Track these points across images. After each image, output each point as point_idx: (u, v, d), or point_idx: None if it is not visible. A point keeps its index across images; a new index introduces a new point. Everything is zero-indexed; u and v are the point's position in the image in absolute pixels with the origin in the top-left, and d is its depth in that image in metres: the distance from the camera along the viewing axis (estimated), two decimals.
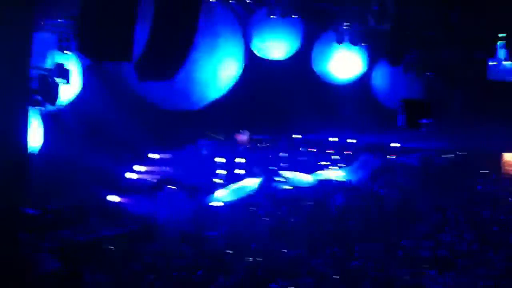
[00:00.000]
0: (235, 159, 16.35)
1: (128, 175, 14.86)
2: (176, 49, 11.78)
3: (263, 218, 13.57)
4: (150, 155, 15.81)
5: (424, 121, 17.33)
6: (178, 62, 12.04)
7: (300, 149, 18.18)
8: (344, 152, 18.82)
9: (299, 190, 16.21)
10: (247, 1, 14.71)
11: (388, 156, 19.21)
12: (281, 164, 17.13)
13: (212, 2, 13.30)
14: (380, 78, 18.08)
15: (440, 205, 14.67)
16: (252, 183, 16.02)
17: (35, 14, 9.76)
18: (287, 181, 16.76)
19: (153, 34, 11.02)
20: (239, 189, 15.83)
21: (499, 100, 17.26)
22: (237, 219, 13.48)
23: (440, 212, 14.28)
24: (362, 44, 16.50)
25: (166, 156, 15.94)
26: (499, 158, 18.96)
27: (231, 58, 14.21)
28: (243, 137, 17.13)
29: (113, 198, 13.68)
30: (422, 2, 14.94)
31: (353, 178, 17.61)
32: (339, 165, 18.45)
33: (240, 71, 14.46)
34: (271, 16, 14.55)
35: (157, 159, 15.85)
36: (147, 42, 11.00)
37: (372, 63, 17.44)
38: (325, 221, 13.36)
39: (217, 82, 14.24)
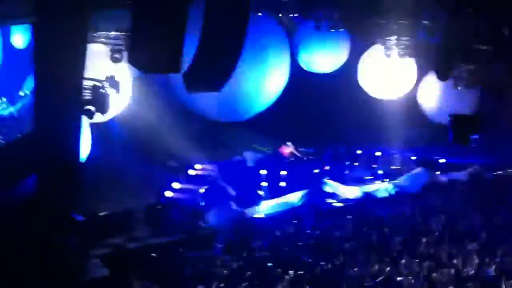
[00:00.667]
0: (279, 171, 16.32)
1: (175, 185, 15.04)
2: (224, 61, 11.90)
3: (306, 231, 13.48)
4: (197, 166, 15.97)
5: (474, 136, 16.93)
6: (225, 74, 12.16)
7: (346, 163, 17.99)
8: (391, 167, 18.53)
9: (343, 203, 16.04)
10: (295, 14, 14.79)
11: (437, 172, 18.83)
12: (326, 178, 16.97)
13: (260, 14, 13.42)
14: (429, 92, 17.79)
15: (489, 222, 14.27)
16: (296, 197, 15.94)
17: (89, 27, 10.09)
18: (332, 194, 16.60)
19: (201, 45, 11.17)
20: (283, 202, 15.77)
21: None
22: (281, 231, 13.43)
23: (489, 230, 13.89)
24: (411, 57, 16.30)
25: (211, 167, 16.07)
26: None
27: (277, 71, 14.26)
28: (288, 149, 17.11)
29: (160, 206, 13.87)
30: (472, 15, 14.67)
31: (403, 190, 17.28)
32: (384, 179, 18.18)
33: (286, 83, 14.50)
34: (319, 29, 14.57)
35: (203, 170, 15.98)
36: (195, 54, 11.16)
37: (421, 77, 17.20)
38: (369, 235, 13.17)
39: (264, 94, 14.32)
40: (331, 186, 16.63)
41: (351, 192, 16.86)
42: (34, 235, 9.32)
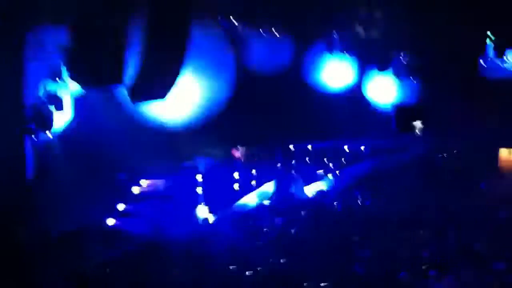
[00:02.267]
0: (233, 174, 16.36)
1: (127, 196, 14.85)
2: (168, 69, 11.84)
3: (264, 230, 13.56)
4: (144, 180, 15.78)
5: (417, 123, 17.44)
6: (170, 82, 12.09)
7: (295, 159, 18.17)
8: (343, 160, 18.85)
9: (297, 200, 16.20)
10: (237, 19, 14.83)
11: (384, 160, 19.24)
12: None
13: (201, 20, 13.37)
14: (372, 85, 18.20)
15: (444, 206, 14.70)
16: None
17: (27, 43, 9.85)
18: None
19: (143, 55, 11.08)
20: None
21: (491, 97, 17.39)
22: (239, 233, 13.46)
23: (444, 213, 14.29)
24: (352, 52, 16.65)
25: (162, 177, 15.93)
26: (496, 155, 19.04)
27: (223, 76, 14.27)
28: (238, 152, 17.17)
29: (112, 221, 13.67)
30: (405, 5, 15.07)
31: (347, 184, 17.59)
32: (336, 172, 18.45)
33: (232, 87, 14.52)
34: (260, 31, 14.66)
35: (155, 180, 15.83)
36: (138, 64, 11.06)
37: (363, 70, 17.57)
38: (324, 230, 13.35)
39: (211, 99, 14.29)
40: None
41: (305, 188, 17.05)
42: None
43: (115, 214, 13.85)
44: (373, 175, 18.20)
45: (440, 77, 17.54)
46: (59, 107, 11.03)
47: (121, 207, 14.36)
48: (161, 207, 14.58)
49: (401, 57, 17.13)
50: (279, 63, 15.54)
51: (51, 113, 10.86)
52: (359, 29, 15.51)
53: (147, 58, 11.08)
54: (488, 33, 15.68)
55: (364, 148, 19.46)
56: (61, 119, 11.59)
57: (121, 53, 10.00)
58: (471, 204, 14.52)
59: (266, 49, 15.11)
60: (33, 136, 10.60)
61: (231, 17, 14.83)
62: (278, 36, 15.13)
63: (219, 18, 14.45)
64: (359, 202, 15.68)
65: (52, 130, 11.09)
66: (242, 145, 17.18)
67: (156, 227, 13.78)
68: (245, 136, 17.23)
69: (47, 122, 10.76)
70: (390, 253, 11.36)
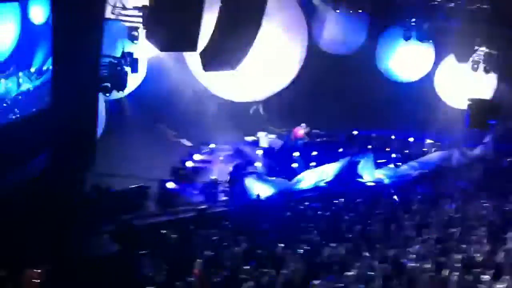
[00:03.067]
0: (293, 152, 16.28)
1: (189, 163, 15.07)
2: (240, 41, 11.88)
3: (317, 213, 13.49)
4: (211, 146, 15.96)
5: (492, 121, 16.77)
6: (241, 53, 12.15)
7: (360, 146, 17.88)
8: (405, 151, 18.41)
9: (353, 187, 15.98)
10: None
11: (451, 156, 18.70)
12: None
13: None
14: (447, 76, 17.63)
15: (500, 206, 14.23)
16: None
17: (107, 3, 10.08)
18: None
19: (218, 25, 11.16)
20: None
21: None
22: (291, 212, 13.46)
23: (501, 214, 13.85)
24: (430, 41, 16.15)
25: (226, 147, 16.07)
26: None
27: (294, 51, 14.19)
28: (301, 131, 17.06)
29: (172, 185, 13.95)
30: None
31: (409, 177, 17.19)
32: (397, 163, 18.08)
33: (302, 65, 14.43)
34: (337, 11, 14.43)
35: (217, 149, 15.98)
36: (212, 33, 11.16)
37: (438, 60, 17.05)
38: (377, 219, 13.16)
39: (280, 74, 14.28)
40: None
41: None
42: (47, 210, 9.46)
43: (176, 178, 14.09)
44: (437, 171, 17.73)
45: None
46: (134, 68, 11.25)
47: (182, 172, 14.61)
48: (219, 177, 14.71)
49: (481, 51, 16.46)
50: (353, 44, 15.30)
51: (126, 74, 11.09)
52: (441, 17, 14.99)
53: (221, 28, 11.17)
54: None
55: (429, 142, 18.95)
56: (135, 80, 11.83)
57: (199, 20, 10.09)
58: None
59: (342, 28, 14.89)
60: (107, 94, 10.85)
61: None
62: (354, 16, 14.85)
63: None
64: (417, 196, 15.30)
65: (125, 89, 11.34)
66: (305, 125, 17.05)
67: (212, 197, 13.97)
68: (309, 116, 17.13)
69: (122, 82, 11.00)
70: (441, 252, 11.12)
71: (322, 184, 15.77)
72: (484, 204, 14.35)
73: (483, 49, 16.47)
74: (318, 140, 17.05)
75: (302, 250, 10.46)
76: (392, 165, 17.61)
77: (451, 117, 17.83)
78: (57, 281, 8.24)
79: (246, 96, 14.24)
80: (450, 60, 17.19)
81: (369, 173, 16.62)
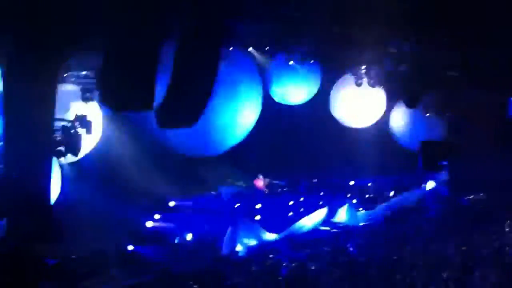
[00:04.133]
0: (255, 205, 16.16)
1: (148, 223, 14.76)
2: (196, 96, 11.87)
3: (284, 264, 13.31)
4: (171, 203, 15.70)
5: (443, 162, 17.16)
6: (198, 109, 12.11)
7: (321, 193, 17.92)
8: (366, 196, 18.55)
9: (318, 234, 15.92)
10: (266, 48, 14.86)
11: (408, 198, 18.92)
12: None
13: (231, 49, 13.45)
14: (399, 120, 18.05)
15: (467, 248, 14.33)
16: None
17: (59, 68, 9.93)
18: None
19: (173, 81, 11.13)
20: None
21: None
22: (257, 266, 13.24)
23: (467, 255, 13.94)
24: (380, 86, 16.55)
25: (186, 203, 15.83)
26: None
27: (249, 104, 14.29)
28: (261, 182, 17.02)
29: (132, 247, 13.60)
30: (439, 43, 14.97)
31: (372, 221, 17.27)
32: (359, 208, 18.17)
33: (259, 116, 14.51)
34: (290, 62, 14.66)
35: (178, 206, 15.73)
36: (167, 90, 11.10)
37: (392, 105, 17.45)
38: (345, 268, 13.08)
39: (236, 128, 14.29)
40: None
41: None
42: (6, 281, 9.03)
43: (137, 239, 13.76)
44: (397, 213, 17.89)
45: (469, 117, 17.33)
46: (89, 130, 11.06)
47: (141, 232, 14.28)
48: (182, 236, 14.44)
49: (430, 94, 16.96)
50: (307, 94, 15.52)
51: (80, 137, 10.88)
52: (389, 64, 15.41)
53: (177, 84, 11.14)
54: None
55: (389, 185, 19.18)
56: (91, 142, 11.63)
57: (153, 79, 10.04)
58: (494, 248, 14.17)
59: (295, 79, 15.10)
60: (62, 158, 10.62)
61: (261, 46, 14.91)
62: (307, 67, 15.10)
63: (249, 48, 14.55)
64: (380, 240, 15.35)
65: (80, 152, 11.11)
66: (265, 176, 17.03)
67: (175, 257, 13.66)
68: (269, 167, 17.15)
69: (76, 145, 10.78)
70: None
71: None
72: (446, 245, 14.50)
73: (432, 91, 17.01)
74: (279, 190, 17.02)
75: None
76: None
77: (407, 160, 18.16)
78: None
79: (205, 151, 14.16)
80: (401, 104, 17.65)
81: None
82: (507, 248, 13.98)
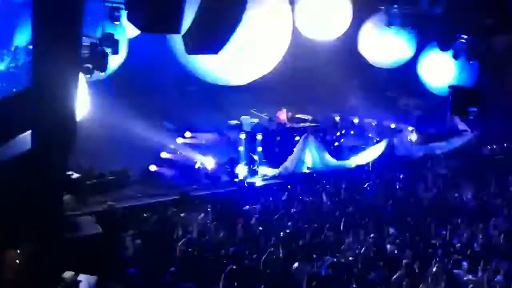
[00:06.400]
0: (276, 137, 16.32)
1: (171, 147, 15.06)
2: (223, 23, 11.81)
3: (299, 197, 13.58)
4: (187, 133, 15.92)
5: (472, 108, 16.92)
6: (225, 36, 12.08)
7: (342, 131, 17.97)
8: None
9: (334, 172, 16.09)
10: None
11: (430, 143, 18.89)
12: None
13: None
14: (428, 64, 17.74)
15: (479, 195, 14.43)
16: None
17: None
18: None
19: (202, 7, 11.08)
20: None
21: None
22: (273, 197, 13.53)
23: (479, 202, 14.06)
24: (412, 27, 16.22)
25: (209, 131, 16.06)
26: None
27: (279, 36, 14.15)
28: (283, 115, 17.09)
29: (154, 167, 13.92)
30: None
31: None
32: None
33: (286, 50, 14.40)
34: None
35: (200, 133, 15.97)
36: (195, 15, 11.07)
37: (421, 48, 17.13)
38: (359, 204, 13.31)
39: (263, 59, 14.24)
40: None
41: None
42: (30, 190, 9.40)
43: (158, 161, 14.10)
44: (418, 158, 17.93)
45: (500, 64, 16.95)
46: (115, 49, 11.17)
47: (164, 155, 14.61)
48: (202, 161, 14.71)
49: (464, 39, 16.56)
50: (337, 30, 15.29)
51: (107, 55, 11.01)
52: (424, 4, 15.03)
53: (205, 10, 11.08)
54: None
55: (412, 129, 19.12)
56: (116, 61, 11.76)
57: (181, 1, 10.01)
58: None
59: (324, 15, 14.86)
60: (88, 75, 10.79)
61: None
62: (337, 2, 14.83)
63: None
64: (396, 184, 15.45)
65: (106, 70, 11.28)
66: (287, 109, 17.10)
67: (195, 180, 13.99)
68: (292, 101, 17.19)
69: (103, 63, 10.93)
70: (423, 238, 11.27)
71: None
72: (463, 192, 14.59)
73: (465, 37, 16.60)
74: (301, 124, 17.10)
75: (282, 233, 10.58)
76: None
77: (435, 103, 18.01)
78: (39, 261, 8.24)
79: (231, 80, 14.21)
80: (432, 47, 17.31)
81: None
82: None
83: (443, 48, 16.74)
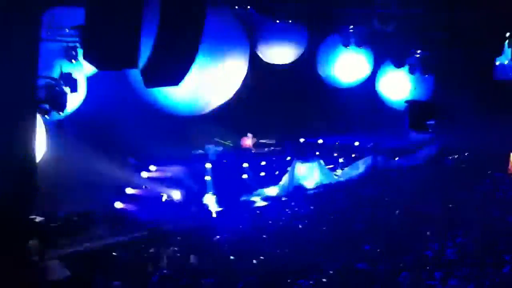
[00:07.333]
0: (242, 164, 16.32)
1: (135, 182, 14.89)
2: (182, 55, 11.81)
3: (269, 222, 13.54)
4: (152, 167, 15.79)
5: (430, 122, 17.27)
6: (184, 68, 12.07)
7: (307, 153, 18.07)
8: (352, 155, 18.74)
9: (302, 194, 16.14)
10: (251, 7, 14.75)
11: (394, 157, 19.13)
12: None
13: (216, 7, 13.34)
14: (386, 80, 18.09)
15: (448, 206, 14.60)
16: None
17: (41, 24, 9.84)
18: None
19: (158, 40, 11.06)
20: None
21: (506, 99, 17.17)
22: (243, 224, 13.46)
23: (448, 213, 14.21)
24: (367, 46, 16.54)
25: (173, 162, 15.93)
26: (507, 158, 18.84)
27: (236, 63, 14.25)
28: (248, 141, 17.11)
29: (120, 205, 13.72)
30: (426, 2, 14.94)
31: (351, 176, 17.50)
32: (343, 168, 18.39)
33: (245, 75, 14.49)
34: (276, 21, 14.58)
35: (164, 165, 15.84)
36: (152, 48, 11.04)
37: (377, 65, 17.46)
38: (330, 225, 13.33)
39: (223, 88, 14.28)
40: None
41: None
42: None
43: (124, 198, 13.89)
44: (382, 173, 18.11)
45: (455, 76, 17.38)
46: (73, 88, 11.06)
47: (130, 191, 14.41)
48: (169, 194, 14.59)
49: (417, 54, 16.99)
50: (293, 55, 15.47)
51: (65, 94, 10.88)
52: (376, 24, 15.36)
53: (162, 43, 11.07)
54: (507, 34, 15.52)
55: (374, 145, 19.34)
56: (75, 100, 11.61)
57: (137, 36, 9.98)
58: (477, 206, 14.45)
59: (281, 39, 15.05)
60: (46, 116, 10.63)
61: (246, 5, 14.78)
62: (294, 27, 15.04)
63: (236, 6, 14.42)
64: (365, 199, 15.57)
65: (65, 111, 11.12)
66: (252, 135, 17.12)
67: (163, 215, 13.83)
68: (255, 127, 17.23)
69: (61, 102, 10.80)
70: (395, 251, 11.32)
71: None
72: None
73: (419, 51, 17.04)
74: (266, 149, 17.14)
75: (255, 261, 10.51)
76: (339, 170, 17.92)
77: (393, 120, 18.28)
78: None
79: (191, 110, 14.18)
80: (388, 64, 17.67)
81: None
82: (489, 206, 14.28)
83: (398, 65, 17.18)
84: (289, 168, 16.77)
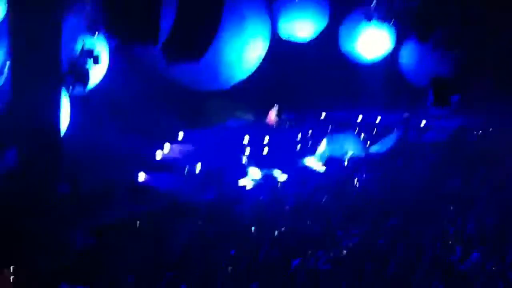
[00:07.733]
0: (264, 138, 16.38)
1: (158, 154, 15.07)
2: (202, 30, 11.92)
3: (291, 194, 13.63)
4: (180, 135, 15.96)
5: (453, 98, 17.13)
6: (205, 43, 12.19)
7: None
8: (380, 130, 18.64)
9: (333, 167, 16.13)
10: None
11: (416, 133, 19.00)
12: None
13: None
14: (409, 56, 17.93)
15: (469, 183, 14.52)
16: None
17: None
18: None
19: (179, 16, 11.19)
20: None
21: None
22: (264, 197, 13.57)
23: (470, 188, 14.14)
24: (390, 21, 16.39)
25: (195, 135, 16.08)
26: None
27: (257, 38, 14.28)
28: (271, 114, 17.19)
29: (142, 176, 13.93)
30: None
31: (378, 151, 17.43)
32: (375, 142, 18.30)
33: (266, 51, 14.52)
34: None
35: (187, 138, 15.99)
36: (173, 24, 11.18)
37: (400, 40, 17.30)
38: (349, 198, 13.37)
39: (244, 63, 14.35)
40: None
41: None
42: (19, 207, 9.43)
43: (146, 169, 14.09)
44: (402, 148, 18.02)
45: (479, 54, 17.15)
46: (96, 62, 11.25)
47: (150, 162, 14.61)
48: (190, 167, 14.73)
49: (441, 29, 16.76)
50: (315, 29, 15.43)
51: (88, 68, 11.08)
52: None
53: (183, 19, 11.19)
54: None
55: (406, 119, 19.20)
56: (97, 73, 11.81)
57: (158, 13, 10.13)
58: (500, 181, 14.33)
59: (303, 14, 15.01)
60: (69, 89, 10.85)
61: None
62: (316, 1, 14.98)
63: None
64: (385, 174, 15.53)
65: (88, 84, 11.33)
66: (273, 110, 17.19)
67: (184, 187, 13.99)
68: (276, 102, 17.28)
69: (84, 76, 11.01)
70: (416, 227, 11.36)
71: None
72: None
73: (443, 27, 16.80)
74: (288, 124, 17.23)
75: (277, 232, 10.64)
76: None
77: (415, 95, 18.16)
78: (32, 279, 8.26)
79: (212, 85, 14.30)
80: (412, 39, 17.49)
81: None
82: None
83: (421, 40, 16.98)
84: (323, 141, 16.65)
